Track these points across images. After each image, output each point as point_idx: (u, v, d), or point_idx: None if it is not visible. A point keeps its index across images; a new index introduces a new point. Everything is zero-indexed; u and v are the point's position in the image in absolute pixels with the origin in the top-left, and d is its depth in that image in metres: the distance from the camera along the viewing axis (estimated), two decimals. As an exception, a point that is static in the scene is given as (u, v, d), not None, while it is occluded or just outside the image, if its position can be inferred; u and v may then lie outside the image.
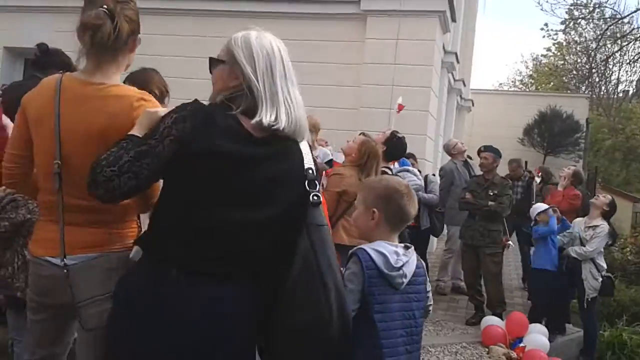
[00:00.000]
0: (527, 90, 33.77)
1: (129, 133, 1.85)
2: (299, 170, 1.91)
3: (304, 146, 1.96)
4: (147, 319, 1.79)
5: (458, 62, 12.10)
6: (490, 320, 6.28)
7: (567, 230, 6.65)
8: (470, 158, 8.95)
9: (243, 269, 1.86)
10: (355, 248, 2.35)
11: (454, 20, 10.14)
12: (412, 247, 2.42)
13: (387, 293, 2.28)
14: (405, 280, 2.32)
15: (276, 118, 1.85)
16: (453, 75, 12.55)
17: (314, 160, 2.00)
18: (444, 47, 10.25)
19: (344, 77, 9.06)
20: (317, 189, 1.92)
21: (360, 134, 5.10)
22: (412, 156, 7.50)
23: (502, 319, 6.36)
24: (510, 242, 7.03)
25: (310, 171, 1.92)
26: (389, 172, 5.59)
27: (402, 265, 2.31)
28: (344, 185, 4.49)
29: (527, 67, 36.95)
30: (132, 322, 1.82)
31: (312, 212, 1.90)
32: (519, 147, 20.17)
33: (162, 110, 1.91)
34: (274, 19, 9.31)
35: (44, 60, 4.00)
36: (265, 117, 1.83)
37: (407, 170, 6.65)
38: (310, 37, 9.12)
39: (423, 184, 6.90)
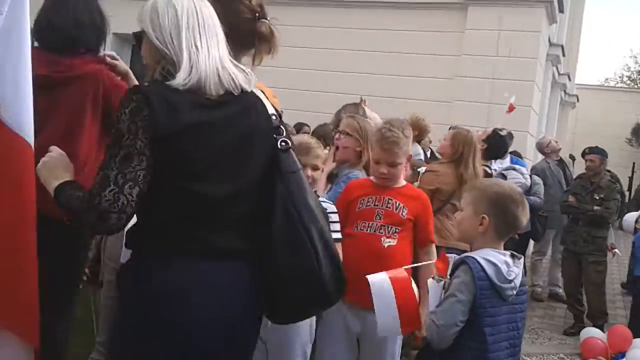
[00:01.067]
0: (636, 86, 31.82)
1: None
2: (264, 121, 1.83)
3: (260, 94, 1.88)
4: (180, 306, 1.69)
5: (564, 55, 11.47)
6: (591, 331, 5.87)
7: None
8: (574, 158, 8.44)
9: (240, 240, 1.78)
10: (464, 255, 2.22)
11: (561, 10, 9.60)
12: (522, 257, 2.27)
13: (496, 305, 2.17)
14: (515, 292, 2.21)
15: (190, 74, 1.69)
16: (557, 69, 11.92)
17: (276, 111, 1.92)
18: (549, 39, 9.73)
19: (440, 68, 8.77)
20: (284, 134, 1.84)
21: (450, 129, 4.86)
22: (516, 154, 7.17)
23: (603, 330, 5.95)
24: (616, 250, 6.55)
25: (274, 117, 1.85)
26: (489, 171, 5.32)
27: (514, 278, 2.19)
28: (438, 183, 4.28)
29: (636, 62, 34.79)
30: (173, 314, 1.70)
31: (283, 159, 1.82)
32: (627, 148, 19.04)
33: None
34: (371, 8, 9.20)
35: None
36: (180, 77, 1.68)
37: (513, 169, 6.33)
38: (407, 26, 8.93)
39: (529, 184, 6.53)
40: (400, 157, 2.91)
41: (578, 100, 16.40)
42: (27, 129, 2.11)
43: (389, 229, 2.86)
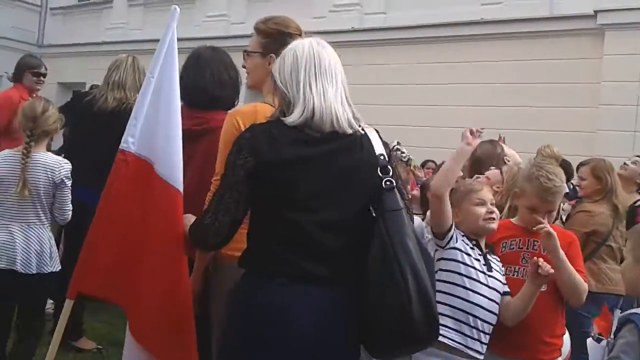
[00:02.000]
0: None
1: None
2: (369, 159, 1.92)
3: (372, 134, 1.97)
4: (266, 330, 1.87)
5: None
6: None
7: None
8: None
9: (337, 269, 1.89)
10: (629, 313, 2.01)
11: None
12: None
13: None
14: None
15: (303, 112, 1.88)
16: None
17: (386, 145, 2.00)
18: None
19: (579, 97, 8.38)
20: (390, 174, 1.91)
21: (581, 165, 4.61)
22: None
23: None
24: None
25: (382, 157, 1.93)
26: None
27: None
28: (594, 224, 4.04)
29: None
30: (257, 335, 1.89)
31: (386, 198, 1.89)
32: None
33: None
34: (497, 40, 9.07)
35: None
36: (293, 115, 1.89)
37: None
38: (541, 56, 8.68)
39: None
40: (558, 204, 2.80)
41: None
42: (178, 179, 2.33)
43: None
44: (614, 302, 3.86)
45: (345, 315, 1.89)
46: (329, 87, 1.92)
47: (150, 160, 2.36)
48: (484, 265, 2.53)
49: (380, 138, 1.99)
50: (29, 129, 3.27)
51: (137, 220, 2.35)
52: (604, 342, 2.03)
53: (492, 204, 2.59)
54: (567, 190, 5.42)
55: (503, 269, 2.63)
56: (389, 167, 1.92)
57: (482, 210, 2.54)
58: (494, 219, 2.57)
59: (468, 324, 2.45)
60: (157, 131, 2.38)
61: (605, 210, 4.06)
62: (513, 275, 2.69)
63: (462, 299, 2.47)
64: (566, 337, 3.22)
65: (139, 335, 2.33)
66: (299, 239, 1.88)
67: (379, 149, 1.95)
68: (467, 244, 2.55)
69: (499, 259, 2.65)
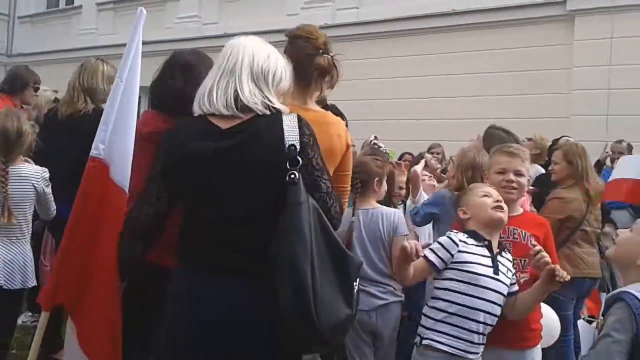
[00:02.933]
0: None
1: None
2: (274, 151, 1.89)
3: (288, 120, 1.94)
4: (189, 317, 1.93)
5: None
6: None
7: None
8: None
9: (245, 262, 1.89)
10: (619, 291, 2.05)
11: (679, 9, 9.01)
12: None
13: None
14: None
15: (209, 99, 1.96)
16: (680, 71, 11.13)
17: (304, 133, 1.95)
18: (667, 41, 9.13)
19: (551, 84, 8.46)
20: (298, 165, 1.87)
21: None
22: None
23: None
24: None
25: (292, 147, 1.88)
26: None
27: None
28: (569, 210, 4.06)
29: None
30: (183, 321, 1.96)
31: (289, 191, 1.86)
32: None
33: None
34: (470, 30, 9.11)
35: None
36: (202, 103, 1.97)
37: (638, 182, 5.97)
38: (512, 44, 8.73)
39: None
40: (524, 168, 2.83)
41: None
42: (127, 184, 2.37)
43: (521, 262, 2.70)
44: (590, 285, 3.89)
45: (252, 307, 1.88)
46: (243, 76, 1.96)
47: (108, 164, 2.37)
48: (491, 267, 2.50)
49: (301, 127, 1.94)
50: (3, 156, 3.20)
51: (98, 226, 2.35)
52: (594, 323, 2.04)
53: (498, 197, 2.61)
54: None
55: (513, 269, 2.61)
56: (298, 158, 1.88)
57: (488, 200, 2.57)
58: (502, 207, 2.57)
59: (465, 328, 2.45)
60: (118, 135, 2.39)
61: (578, 195, 4.10)
62: None
63: (463, 305, 2.46)
64: (555, 321, 3.28)
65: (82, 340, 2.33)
66: (207, 233, 1.93)
67: (291, 139, 1.90)
68: (475, 245, 2.53)
69: (510, 258, 2.63)
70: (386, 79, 9.65)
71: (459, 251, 2.47)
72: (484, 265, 2.47)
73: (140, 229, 2.06)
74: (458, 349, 2.42)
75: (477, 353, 2.47)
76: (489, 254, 2.51)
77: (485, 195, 2.60)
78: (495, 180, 2.79)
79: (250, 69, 1.98)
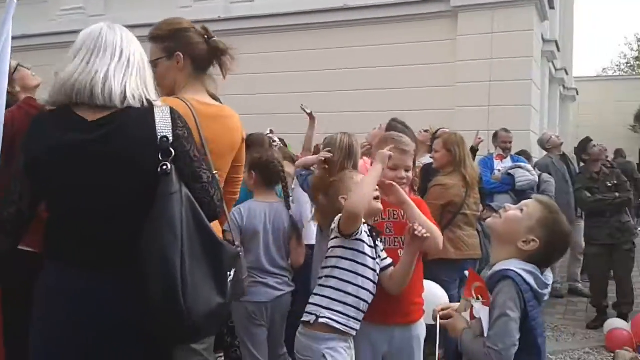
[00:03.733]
0: (634, 73, 31.78)
1: None
2: (144, 144, 1.86)
3: (160, 113, 1.91)
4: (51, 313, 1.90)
5: (559, 50, 11.52)
6: (615, 323, 5.85)
7: None
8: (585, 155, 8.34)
9: (115, 255, 1.86)
10: (502, 270, 2.09)
11: (552, 7, 9.69)
12: None
13: (538, 313, 2.09)
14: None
15: (74, 89, 1.87)
16: (554, 65, 11.97)
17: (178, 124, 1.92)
18: (542, 36, 9.79)
19: (438, 77, 8.85)
20: (171, 157, 1.85)
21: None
22: (525, 155, 7.24)
23: (627, 320, 5.93)
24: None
25: (165, 139, 1.86)
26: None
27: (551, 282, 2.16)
28: (450, 196, 4.28)
29: (632, 49, 34.75)
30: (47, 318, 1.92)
31: (161, 182, 1.83)
32: (631, 135, 18.98)
33: None
34: (361, 25, 9.34)
35: None
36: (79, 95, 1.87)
37: (519, 167, 6.38)
38: (400, 40, 9.05)
39: (537, 180, 6.58)
40: (411, 162, 2.98)
41: (578, 94, 16.40)
42: None
43: (402, 239, 2.85)
44: (472, 265, 4.14)
45: (121, 301, 1.84)
46: (111, 63, 1.90)
47: None
48: (374, 251, 2.64)
49: (174, 119, 1.92)
50: None
51: None
52: (478, 302, 2.08)
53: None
54: None
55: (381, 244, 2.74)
56: (170, 150, 1.86)
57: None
58: (379, 197, 2.67)
59: (355, 307, 2.56)
60: None
61: (458, 181, 4.32)
62: (385, 246, 2.82)
63: (356, 285, 2.56)
64: (441, 297, 3.46)
65: None
66: (72, 227, 1.88)
67: (163, 129, 1.88)
68: (366, 233, 2.63)
69: (381, 239, 2.76)
70: (280, 72, 9.70)
71: (358, 239, 2.59)
72: (368, 245, 2.61)
73: (3, 228, 1.96)
74: (347, 327, 2.54)
75: (355, 329, 2.60)
76: (372, 239, 2.65)
77: None
78: (388, 175, 2.87)
79: (128, 59, 1.93)
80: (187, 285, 1.76)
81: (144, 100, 1.92)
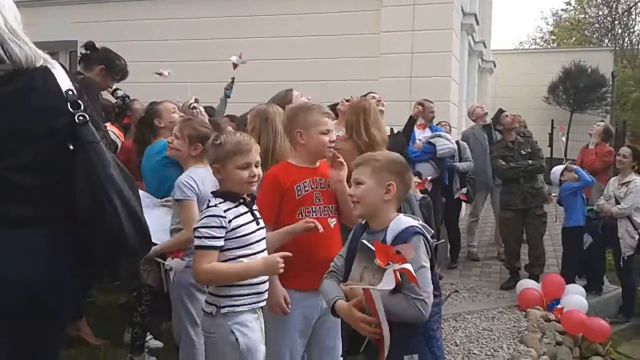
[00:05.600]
0: (549, 47, 33.11)
1: None
2: (54, 96, 1.89)
3: (57, 71, 1.94)
4: None
5: (478, 23, 11.85)
6: (526, 283, 6.24)
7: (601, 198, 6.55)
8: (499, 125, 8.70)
9: (44, 209, 1.88)
10: (408, 227, 2.25)
11: (471, -20, 9.94)
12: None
13: None
14: None
15: None
16: (473, 38, 12.31)
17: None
18: (462, 9, 10.05)
19: (362, 48, 8.94)
20: (82, 107, 1.90)
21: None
22: (442, 123, 7.50)
23: (538, 281, 6.31)
24: (553, 194, 6.91)
25: (71, 92, 1.91)
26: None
27: None
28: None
29: (547, 23, 36.20)
30: None
31: (81, 132, 1.88)
32: (545, 106, 19.84)
33: None
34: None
35: (90, 56, 4.26)
36: None
37: (439, 136, 6.60)
38: (324, 9, 9.07)
39: (457, 149, 6.84)
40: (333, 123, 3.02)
41: (495, 66, 16.96)
42: None
43: (330, 208, 2.93)
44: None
45: (49, 254, 1.88)
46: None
47: None
48: (253, 220, 2.59)
49: (68, 74, 1.96)
50: None
51: None
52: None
53: (256, 166, 2.60)
54: None
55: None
56: (79, 101, 1.91)
57: (245, 174, 2.54)
58: (255, 182, 2.60)
59: (256, 283, 2.57)
60: None
61: (351, 148, 4.14)
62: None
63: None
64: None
65: None
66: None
67: (65, 85, 1.92)
68: (235, 206, 2.56)
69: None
70: (198, 40, 9.56)
71: (229, 221, 2.51)
72: (248, 222, 2.57)
73: None
74: (252, 303, 2.56)
75: (266, 298, 2.65)
76: (247, 209, 2.60)
77: (244, 167, 2.56)
78: (318, 141, 2.90)
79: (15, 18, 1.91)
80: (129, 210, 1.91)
81: (40, 58, 1.91)
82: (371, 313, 2.17)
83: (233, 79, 6.08)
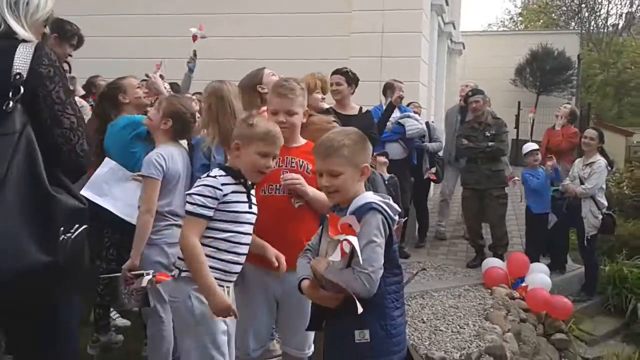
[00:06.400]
0: (517, 29, 33.39)
1: None
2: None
3: (24, 48, 1.83)
4: None
5: (447, 4, 11.87)
6: (492, 262, 6.33)
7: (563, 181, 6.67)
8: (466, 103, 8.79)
9: None
10: (365, 202, 2.25)
11: (441, -40, 9.93)
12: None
13: (393, 238, 2.29)
14: None
15: None
16: (443, 19, 12.33)
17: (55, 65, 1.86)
18: (432, -10, 10.05)
19: (332, 27, 8.88)
20: (16, 97, 1.78)
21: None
22: (413, 104, 7.52)
23: (503, 260, 6.41)
24: (516, 178, 7.00)
25: (18, 76, 1.80)
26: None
27: None
28: None
29: (515, 6, 36.47)
30: None
31: (2, 121, 1.76)
32: (512, 88, 20.06)
33: None
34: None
35: None
36: None
37: (408, 117, 6.62)
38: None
39: (426, 129, 6.87)
40: (296, 106, 2.93)
41: (464, 48, 17.04)
42: None
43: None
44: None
45: None
46: None
47: None
48: (247, 202, 2.62)
49: (39, 56, 1.83)
50: None
51: None
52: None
53: (273, 158, 2.64)
54: None
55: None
56: (20, 87, 1.79)
57: (262, 161, 2.58)
58: (265, 173, 2.65)
59: (229, 261, 2.57)
60: None
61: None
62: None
63: (228, 241, 2.56)
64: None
65: None
66: None
67: (20, 68, 1.80)
68: (234, 183, 2.58)
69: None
70: (167, 15, 9.37)
71: (224, 195, 2.53)
72: (242, 202, 2.59)
73: None
74: (216, 279, 2.52)
75: (234, 280, 2.65)
76: (244, 190, 2.62)
77: (264, 155, 2.60)
78: (270, 119, 2.87)
79: None
80: None
81: (8, 35, 1.83)
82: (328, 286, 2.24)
83: (194, 51, 5.93)
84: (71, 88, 5.28)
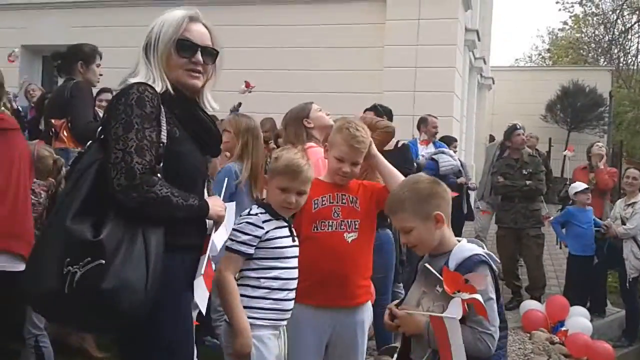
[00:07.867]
0: (545, 65, 33.26)
1: None
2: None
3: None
4: None
5: (479, 39, 11.84)
6: (530, 304, 6.14)
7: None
8: (493, 139, 8.76)
9: None
10: (473, 255, 2.12)
11: (474, -4, 9.93)
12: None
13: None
14: None
15: None
16: (474, 54, 12.30)
17: None
18: (465, 25, 10.03)
19: (365, 61, 8.88)
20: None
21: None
22: (452, 139, 7.41)
23: (540, 302, 6.21)
24: (552, 217, 6.82)
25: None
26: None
27: None
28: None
29: (543, 42, 36.39)
30: None
31: None
32: (542, 124, 19.82)
33: None
34: (290, 4, 9.21)
35: (64, 63, 4.26)
36: None
37: (443, 152, 6.51)
38: (328, 21, 9.01)
39: (459, 165, 6.74)
40: (362, 157, 2.88)
41: (494, 83, 16.96)
42: None
43: (349, 223, 2.80)
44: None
45: None
46: None
47: None
48: (289, 236, 2.55)
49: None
50: None
51: None
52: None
53: (299, 193, 2.55)
54: None
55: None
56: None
57: (281, 196, 2.52)
58: (289, 209, 2.57)
59: (283, 299, 2.49)
60: None
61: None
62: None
63: (278, 278, 2.47)
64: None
65: None
66: None
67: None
68: (275, 219, 2.53)
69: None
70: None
71: (266, 232, 2.46)
72: (285, 237, 2.53)
73: None
74: (274, 320, 2.46)
75: (288, 317, 2.55)
76: (285, 224, 2.56)
77: (284, 191, 2.53)
78: (332, 166, 2.83)
79: None
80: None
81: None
82: (437, 343, 2.03)
83: (240, 103, 6.04)
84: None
